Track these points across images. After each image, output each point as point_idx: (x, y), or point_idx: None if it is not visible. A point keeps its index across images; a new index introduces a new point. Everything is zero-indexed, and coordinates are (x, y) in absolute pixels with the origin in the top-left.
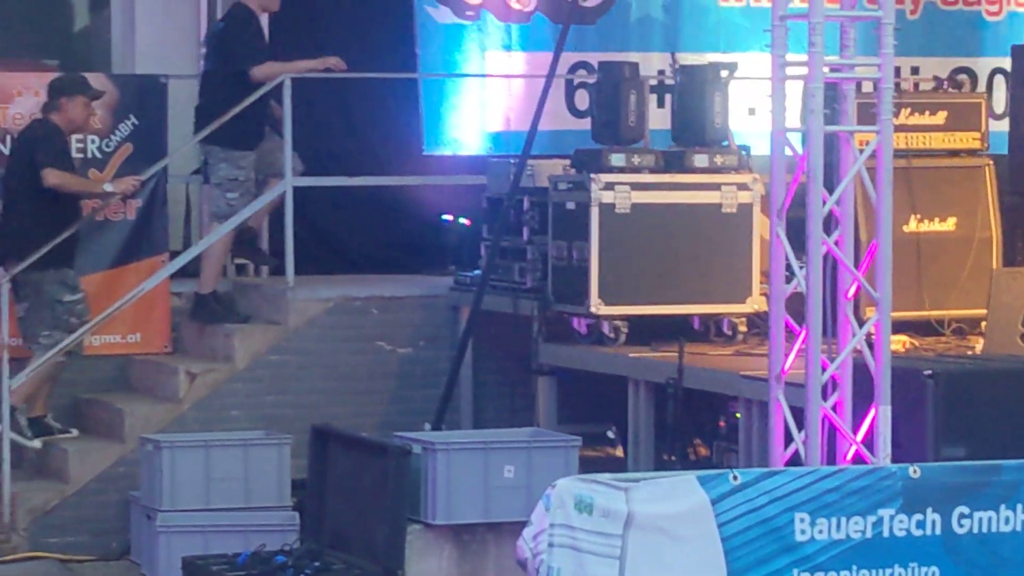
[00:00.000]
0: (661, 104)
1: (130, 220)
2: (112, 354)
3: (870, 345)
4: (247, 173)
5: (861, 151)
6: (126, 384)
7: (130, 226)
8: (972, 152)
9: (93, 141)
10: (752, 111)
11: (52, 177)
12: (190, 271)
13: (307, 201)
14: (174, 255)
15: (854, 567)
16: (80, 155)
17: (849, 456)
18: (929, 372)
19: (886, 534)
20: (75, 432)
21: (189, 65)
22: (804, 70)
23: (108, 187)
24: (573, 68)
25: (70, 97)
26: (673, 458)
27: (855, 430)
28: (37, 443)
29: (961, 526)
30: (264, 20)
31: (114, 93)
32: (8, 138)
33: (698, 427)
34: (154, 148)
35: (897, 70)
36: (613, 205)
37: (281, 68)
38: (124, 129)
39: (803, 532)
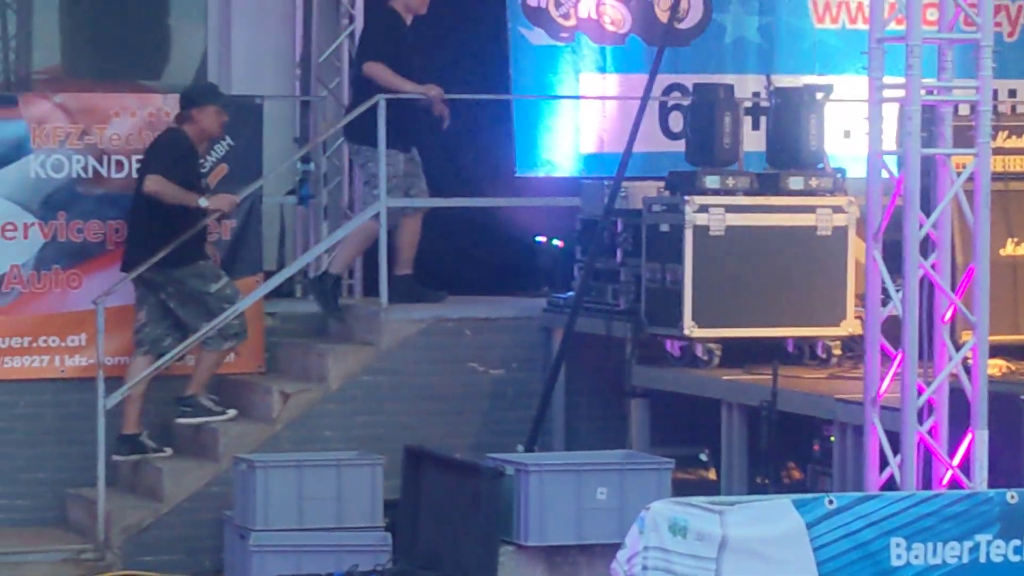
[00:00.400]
0: (756, 126)
1: (225, 240)
2: None
3: (966, 369)
4: (396, 169)
5: (958, 174)
6: (220, 404)
7: (225, 246)
8: None
9: None
10: (847, 133)
11: (151, 183)
12: (284, 291)
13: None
14: (268, 275)
15: None
16: None
17: (945, 481)
18: None
19: (983, 560)
20: (169, 451)
21: (284, 86)
22: (901, 92)
23: (203, 203)
24: (668, 90)
25: (200, 107)
26: (766, 481)
27: (951, 454)
28: (232, 412)
29: None
30: None
31: None
32: (105, 158)
33: (792, 450)
34: (249, 168)
35: (994, 92)
36: (707, 227)
37: (389, 76)
38: (219, 150)
39: (899, 557)
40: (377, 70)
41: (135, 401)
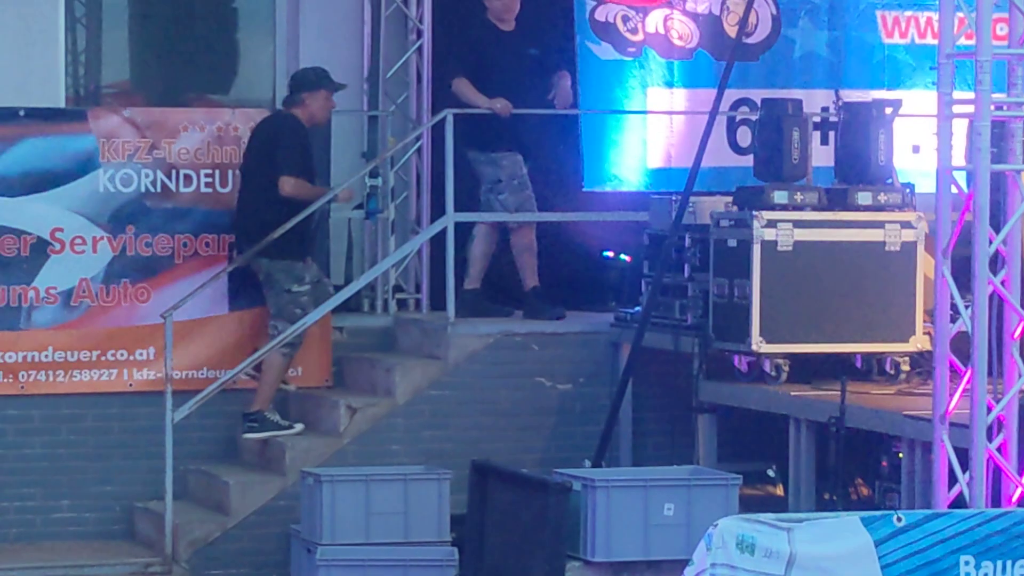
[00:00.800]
0: (825, 141)
1: None
2: None
3: None
4: (510, 171)
5: None
6: (287, 418)
7: None
8: None
9: None
10: (916, 149)
11: (288, 187)
12: (351, 306)
13: (468, 235)
14: (336, 289)
15: None
16: None
17: (1015, 498)
18: None
19: None
20: (300, 427)
21: (352, 101)
22: (971, 108)
23: (337, 193)
24: (735, 105)
25: (311, 92)
26: (834, 497)
27: (1021, 472)
28: (299, 426)
29: None
30: None
31: None
32: (173, 172)
33: (860, 467)
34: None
35: None
36: (775, 242)
37: (465, 90)
38: None
39: (968, 575)
40: (456, 84)
41: (273, 379)
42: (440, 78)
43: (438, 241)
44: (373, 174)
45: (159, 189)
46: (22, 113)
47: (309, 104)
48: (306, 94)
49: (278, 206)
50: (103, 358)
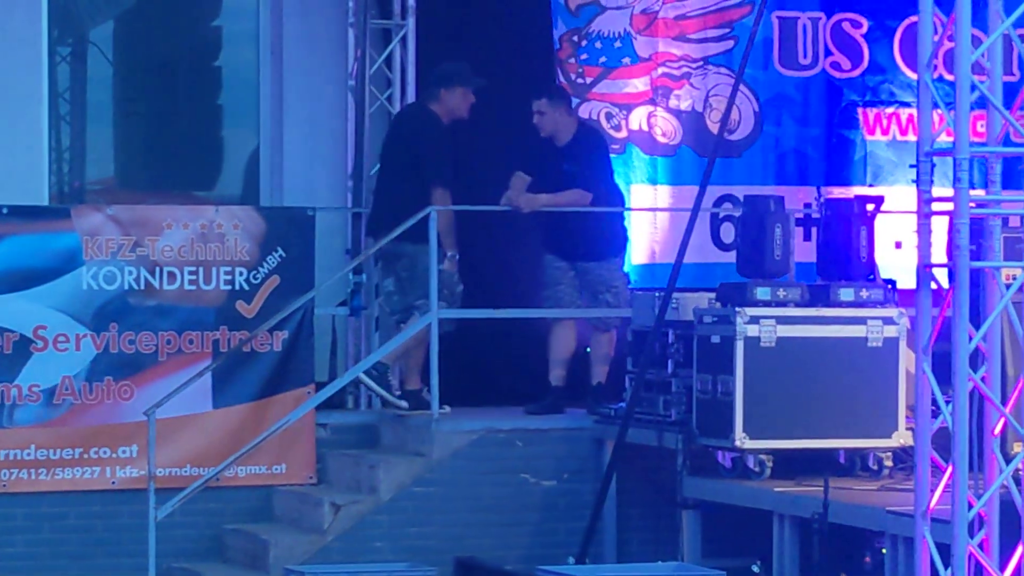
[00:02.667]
0: (807, 237)
1: (276, 351)
2: (257, 484)
3: (1017, 481)
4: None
5: (1008, 286)
6: (270, 515)
7: (276, 357)
8: None
9: (241, 273)
10: (899, 245)
11: (439, 198)
12: (335, 402)
13: (453, 332)
14: (320, 386)
15: None
16: (228, 287)
17: None
18: None
19: None
20: (447, 409)
21: (336, 198)
22: (950, 205)
23: (450, 255)
24: (719, 201)
25: (449, 88)
26: None
27: (1002, 568)
28: (404, 403)
29: None
30: None
31: (262, 225)
32: (157, 270)
33: (844, 562)
34: (301, 280)
35: None
36: (758, 339)
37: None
38: (272, 261)
39: None
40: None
41: (413, 357)
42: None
43: None
44: (357, 271)
45: (143, 287)
46: (5, 211)
47: (446, 99)
48: (443, 91)
49: (420, 203)
50: (86, 456)
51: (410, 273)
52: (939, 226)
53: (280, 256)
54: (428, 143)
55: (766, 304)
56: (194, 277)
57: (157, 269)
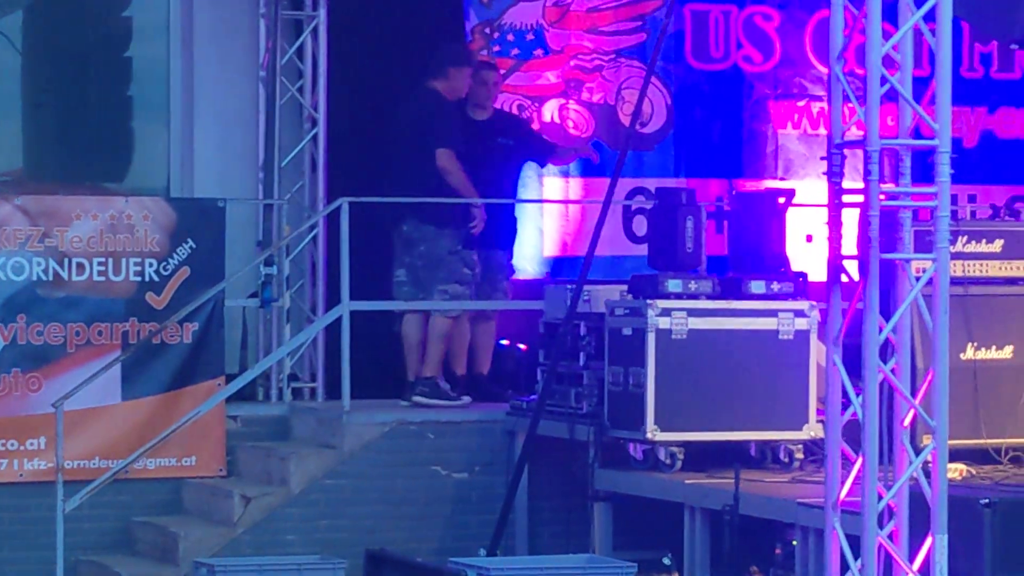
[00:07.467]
0: (719, 230)
1: (186, 343)
2: (167, 477)
3: (927, 473)
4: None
5: (917, 278)
6: (180, 507)
7: (187, 349)
8: None
9: (151, 264)
10: (810, 238)
11: (444, 159)
12: (246, 394)
13: (364, 324)
14: (230, 378)
15: None
16: (138, 278)
17: None
18: (986, 501)
19: None
20: (467, 399)
21: (247, 189)
22: (861, 198)
23: (475, 212)
24: (631, 194)
25: (459, 67)
26: None
27: (911, 559)
28: (466, 399)
29: None
30: None
31: (172, 216)
32: (66, 261)
33: (754, 554)
34: (211, 271)
35: (954, 198)
36: (670, 331)
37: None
38: (182, 252)
39: None
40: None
41: (415, 348)
42: (335, 165)
43: (333, 330)
44: (268, 263)
45: (51, 278)
46: None
47: (454, 78)
48: (453, 69)
49: (437, 178)
50: None
51: (430, 259)
52: (850, 219)
53: (190, 248)
54: (437, 115)
55: (677, 296)
56: (103, 268)
57: (66, 260)
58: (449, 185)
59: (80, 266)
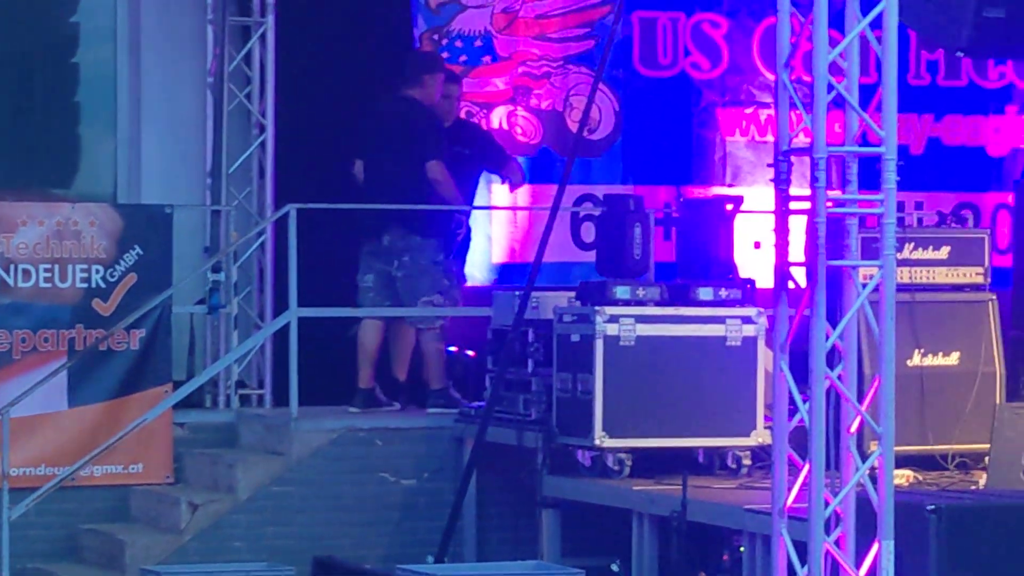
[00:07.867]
0: (667, 237)
1: (134, 350)
2: (113, 484)
3: (873, 480)
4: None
5: (864, 285)
6: (127, 515)
7: (133, 356)
8: (975, 287)
9: (97, 271)
10: (757, 245)
11: (435, 171)
12: (193, 401)
13: (312, 331)
14: (177, 385)
15: None
16: (84, 284)
17: None
18: (932, 507)
19: None
20: (397, 405)
21: (195, 195)
22: (807, 204)
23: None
24: (579, 200)
25: (433, 74)
26: None
27: (858, 565)
28: (396, 404)
29: None
30: None
31: (119, 223)
32: (12, 267)
33: (702, 560)
34: (158, 278)
35: (901, 205)
36: (618, 338)
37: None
38: (129, 259)
39: None
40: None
41: (370, 355)
42: (283, 172)
43: (281, 336)
44: (215, 269)
45: None
46: None
47: (429, 85)
48: (428, 76)
49: (422, 187)
50: None
51: (412, 269)
52: (797, 226)
53: (137, 254)
54: (421, 125)
55: (625, 303)
56: (49, 275)
57: (12, 266)
58: (439, 195)
59: (26, 272)
